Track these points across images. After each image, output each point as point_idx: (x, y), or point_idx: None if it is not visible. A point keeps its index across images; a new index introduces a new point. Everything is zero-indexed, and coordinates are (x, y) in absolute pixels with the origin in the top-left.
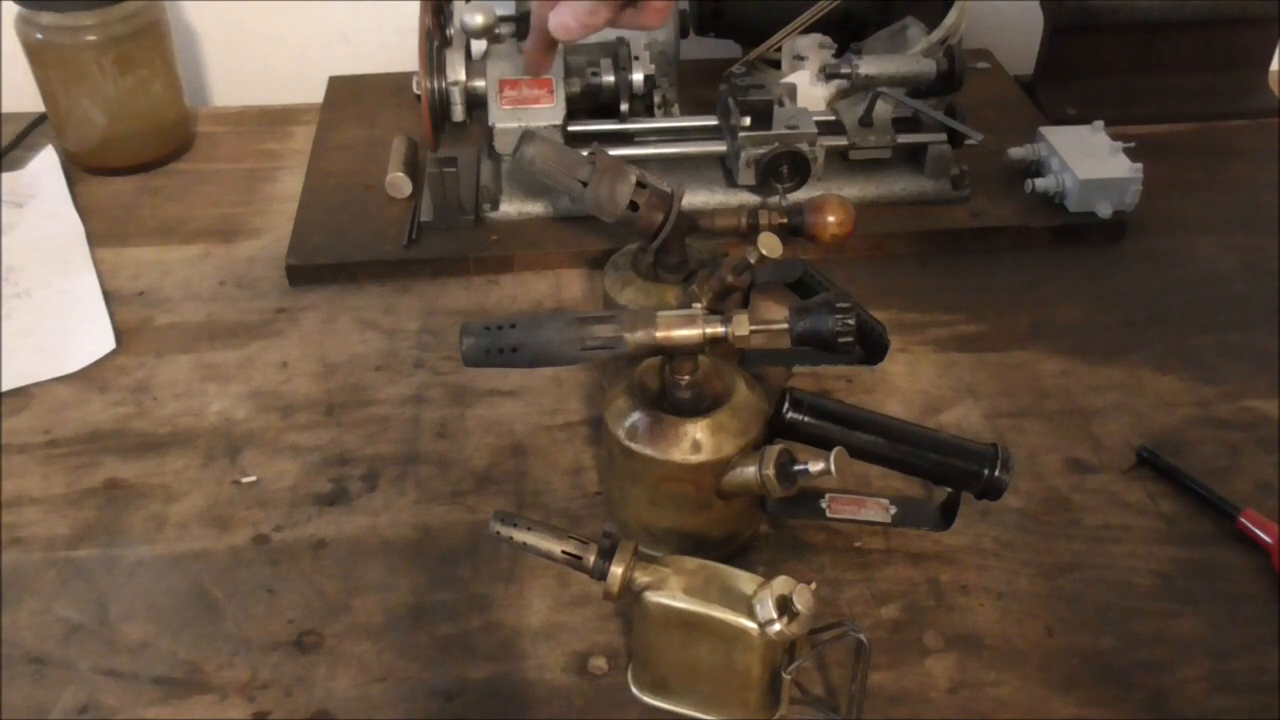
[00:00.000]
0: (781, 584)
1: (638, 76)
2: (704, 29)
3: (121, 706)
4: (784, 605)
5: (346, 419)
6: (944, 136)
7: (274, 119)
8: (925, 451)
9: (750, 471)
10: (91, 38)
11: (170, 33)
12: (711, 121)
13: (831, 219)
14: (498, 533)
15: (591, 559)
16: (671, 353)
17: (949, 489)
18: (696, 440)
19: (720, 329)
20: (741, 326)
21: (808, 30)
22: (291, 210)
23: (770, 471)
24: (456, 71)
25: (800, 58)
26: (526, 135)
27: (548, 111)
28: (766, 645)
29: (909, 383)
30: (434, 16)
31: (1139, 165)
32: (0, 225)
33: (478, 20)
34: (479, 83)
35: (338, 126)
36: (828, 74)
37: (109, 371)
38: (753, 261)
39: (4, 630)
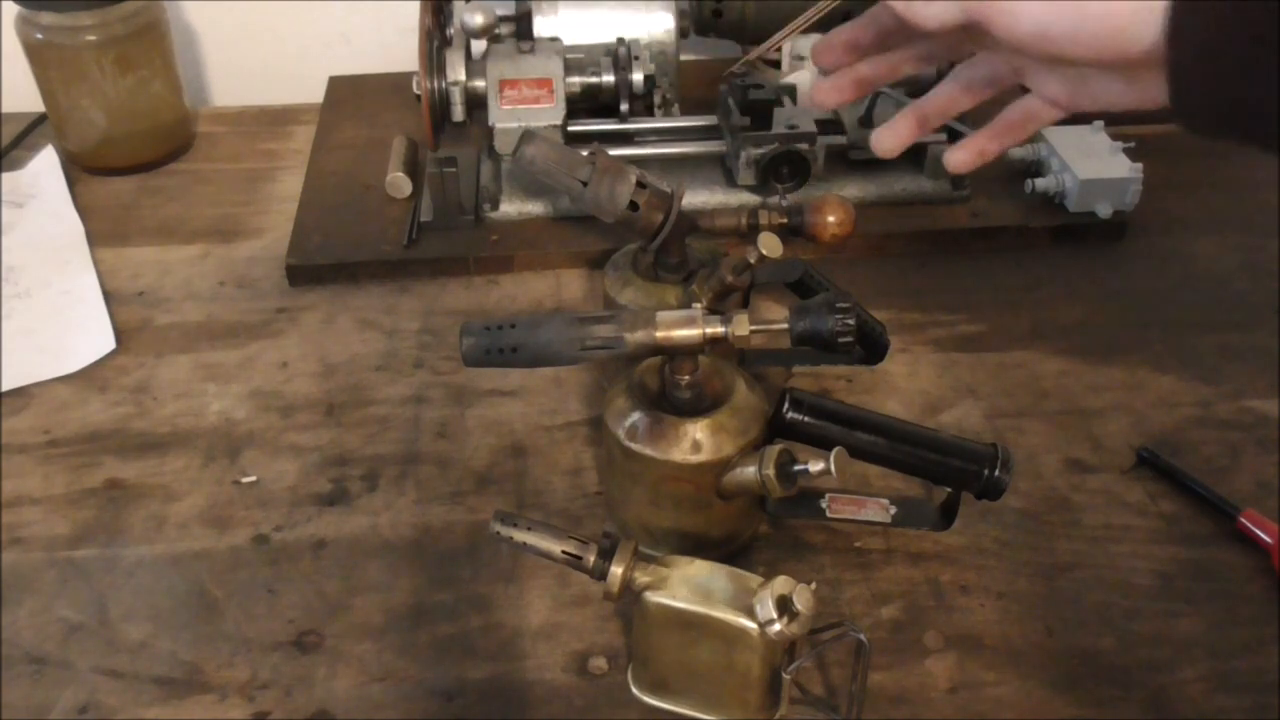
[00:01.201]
0: (781, 584)
1: (638, 76)
2: (704, 29)
3: (121, 706)
4: (784, 605)
5: (346, 419)
6: (944, 136)
7: (274, 119)
8: (925, 451)
9: (750, 471)
10: (91, 38)
11: (170, 33)
12: (711, 121)
13: (831, 219)
14: (498, 533)
15: (591, 559)
16: (671, 353)
17: (949, 489)
18: (696, 440)
19: (720, 329)
20: (741, 326)
21: (808, 30)
22: (291, 210)
23: (770, 471)
24: (456, 71)
25: (800, 58)
26: (526, 135)
27: (548, 111)
28: (766, 645)
29: (909, 383)
30: (434, 16)
31: (1139, 165)
32: (0, 225)
33: (478, 20)
34: (479, 83)
35: (338, 126)
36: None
37: (109, 371)
38: (753, 261)
39: (4, 630)
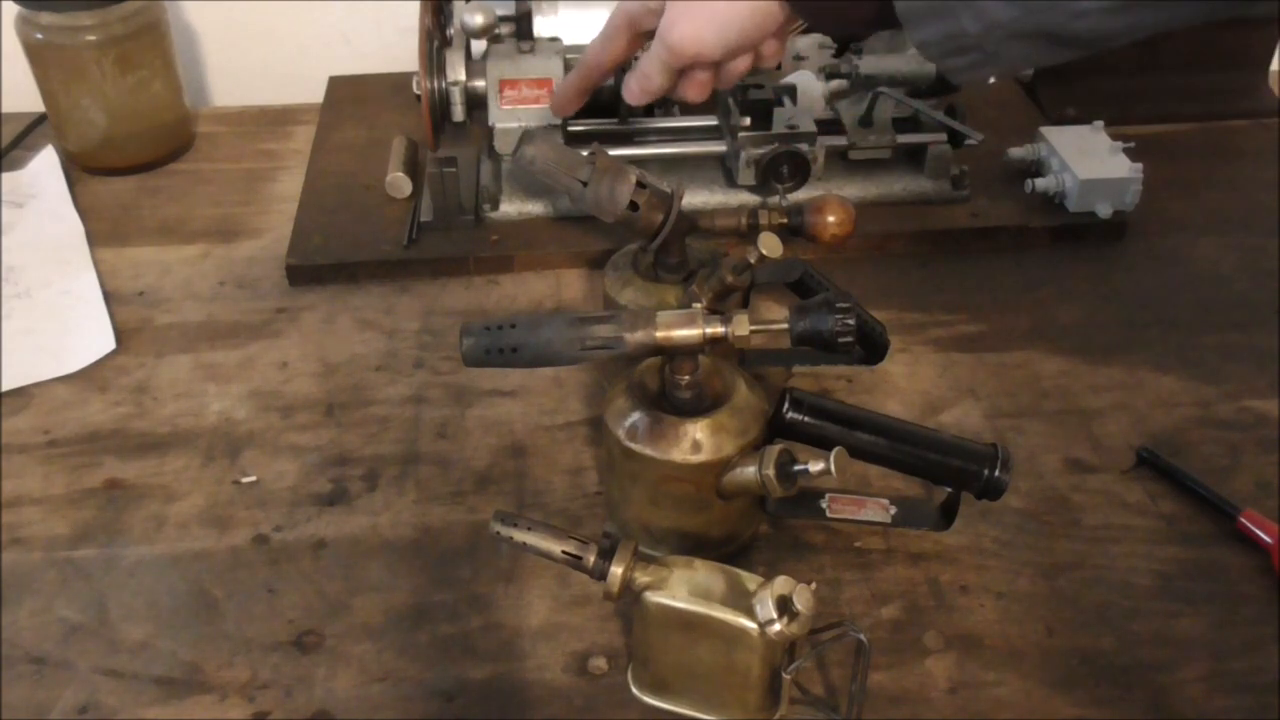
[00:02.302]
0: (781, 584)
1: None
2: None
3: (121, 706)
4: (784, 605)
5: (346, 419)
6: (944, 136)
7: (274, 119)
8: (925, 451)
9: (750, 471)
10: (91, 38)
11: (170, 33)
12: (711, 121)
13: (831, 219)
14: (498, 533)
15: (591, 559)
16: (671, 353)
17: (949, 489)
18: (696, 440)
19: (720, 329)
20: (741, 326)
21: (808, 30)
22: (291, 210)
23: (770, 471)
24: (456, 71)
25: (800, 58)
26: (526, 135)
27: (548, 111)
28: (766, 645)
29: (909, 383)
30: (434, 16)
31: (1139, 165)
32: (0, 225)
33: (478, 20)
34: (479, 83)
35: (338, 126)
36: (828, 74)
37: (109, 371)
38: (753, 261)
39: (4, 630)
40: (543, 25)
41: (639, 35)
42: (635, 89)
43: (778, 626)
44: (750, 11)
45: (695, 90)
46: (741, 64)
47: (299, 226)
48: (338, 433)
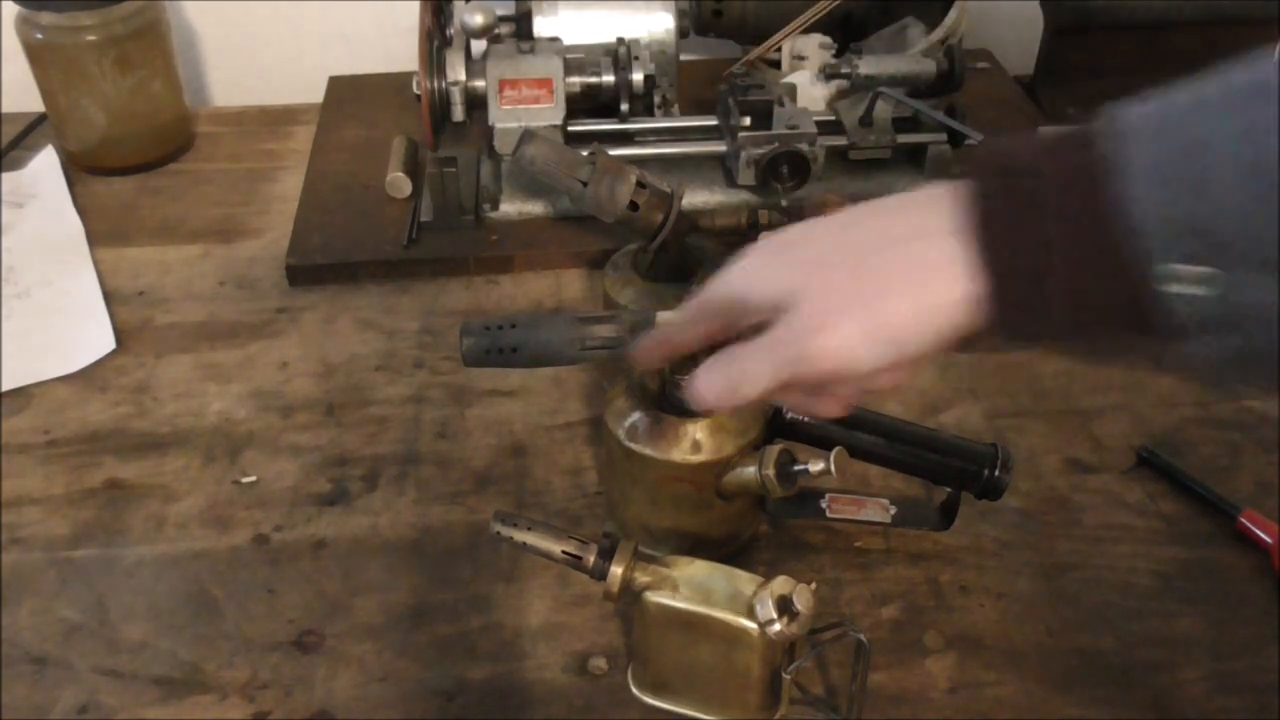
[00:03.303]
0: (781, 584)
1: (638, 76)
2: (704, 29)
3: (121, 706)
4: (784, 605)
5: (346, 419)
6: (944, 136)
7: (274, 119)
8: (925, 451)
9: (750, 471)
10: (91, 38)
11: (170, 33)
12: (711, 121)
13: None
14: (498, 533)
15: (591, 559)
16: None
17: (949, 489)
18: (696, 440)
19: None
20: None
21: (808, 30)
22: (291, 210)
23: (770, 471)
24: (456, 71)
25: (800, 58)
26: (526, 135)
27: (548, 111)
28: (766, 645)
29: (909, 383)
30: (434, 16)
31: None
32: (0, 225)
33: (478, 20)
34: (479, 83)
35: (338, 126)
36: (828, 74)
37: (109, 371)
38: None
39: (4, 630)
40: (543, 25)
41: (734, 326)
42: (721, 392)
43: (778, 626)
44: (930, 320)
45: (835, 407)
46: (888, 378)
47: (299, 226)
48: (338, 433)
